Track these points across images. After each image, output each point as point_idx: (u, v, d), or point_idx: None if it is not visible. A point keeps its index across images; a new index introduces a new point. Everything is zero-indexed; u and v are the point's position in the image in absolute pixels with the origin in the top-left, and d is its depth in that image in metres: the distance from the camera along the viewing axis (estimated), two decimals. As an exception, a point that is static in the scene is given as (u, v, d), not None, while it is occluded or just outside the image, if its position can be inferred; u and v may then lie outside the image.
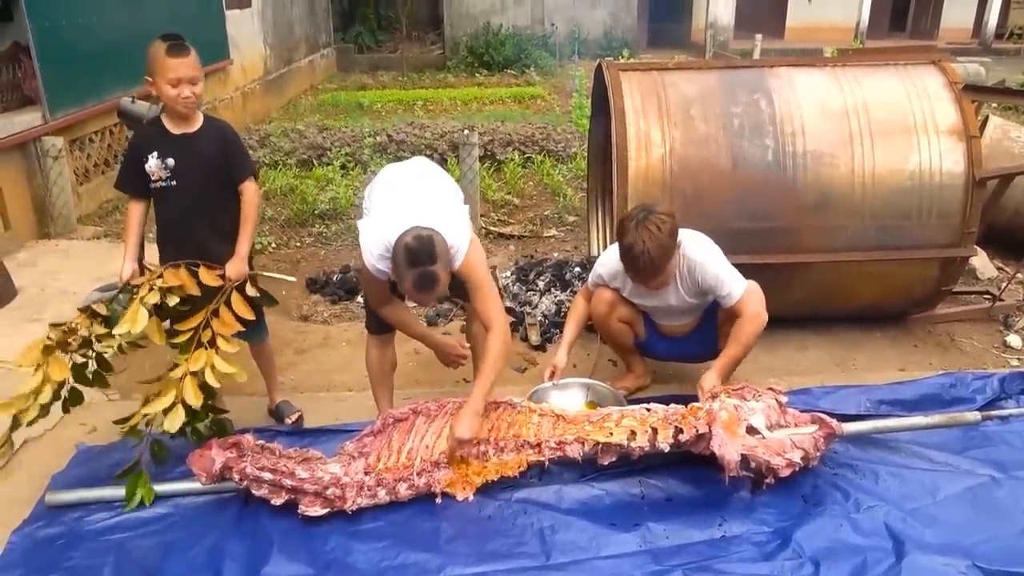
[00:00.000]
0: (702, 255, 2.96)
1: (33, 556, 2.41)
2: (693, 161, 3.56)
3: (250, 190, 2.89)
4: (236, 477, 2.52)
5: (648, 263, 2.81)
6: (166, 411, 2.59)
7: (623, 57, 13.47)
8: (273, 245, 5.32)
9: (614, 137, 3.55)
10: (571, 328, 3.24)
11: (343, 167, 6.85)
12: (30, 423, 2.64)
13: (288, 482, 2.50)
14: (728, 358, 2.95)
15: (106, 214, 6.06)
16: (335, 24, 15.84)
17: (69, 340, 2.70)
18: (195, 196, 2.84)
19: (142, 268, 2.88)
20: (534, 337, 3.93)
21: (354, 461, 2.62)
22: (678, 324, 3.22)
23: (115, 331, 2.66)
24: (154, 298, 2.67)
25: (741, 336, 2.94)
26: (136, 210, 2.89)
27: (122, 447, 2.85)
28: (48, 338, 2.68)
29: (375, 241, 2.58)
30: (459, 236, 2.60)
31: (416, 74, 14.47)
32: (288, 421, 3.16)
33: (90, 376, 2.80)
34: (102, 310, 2.73)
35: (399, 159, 7.13)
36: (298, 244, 5.44)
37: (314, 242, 5.48)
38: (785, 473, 2.54)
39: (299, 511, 2.48)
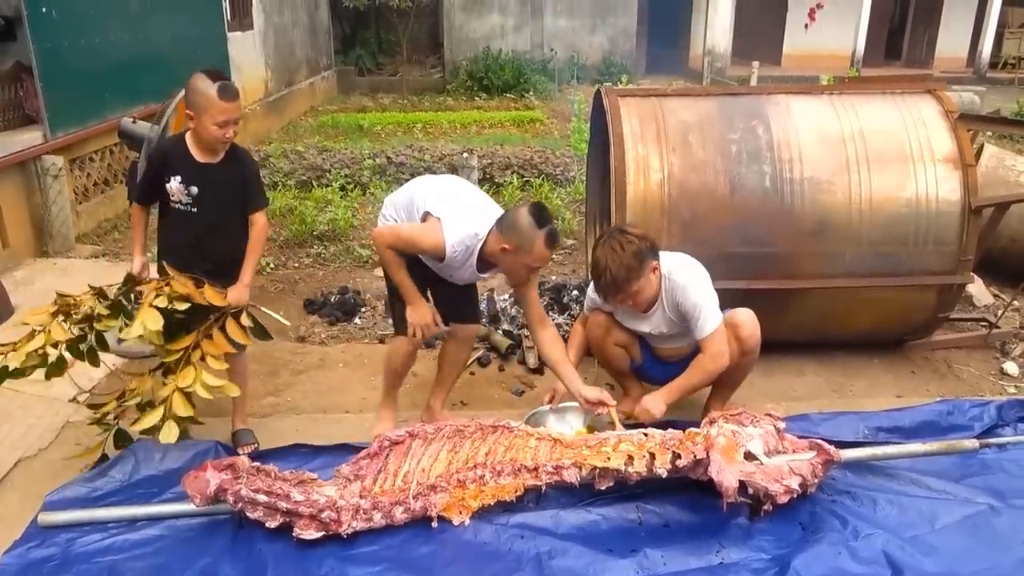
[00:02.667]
0: (686, 280, 2.97)
1: (24, 578, 2.38)
2: (691, 186, 3.58)
3: (260, 222, 2.97)
4: (230, 499, 2.50)
5: (609, 280, 2.86)
6: (159, 426, 2.68)
7: (622, 82, 13.59)
8: (272, 266, 5.32)
9: (613, 162, 3.58)
10: (571, 354, 3.24)
11: (342, 188, 6.87)
12: (28, 373, 2.74)
13: (283, 505, 2.48)
14: (678, 386, 2.98)
15: (104, 233, 6.06)
16: (336, 47, 15.97)
17: (72, 312, 2.78)
18: (213, 224, 2.91)
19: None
20: (531, 360, 3.92)
21: (350, 484, 2.60)
22: (674, 347, 3.22)
23: (129, 333, 2.70)
24: (163, 302, 2.73)
25: (698, 370, 2.97)
26: (142, 214, 3.02)
27: (116, 468, 2.84)
28: (54, 303, 2.77)
29: (465, 228, 2.81)
30: None
31: (416, 97, 14.58)
32: (240, 451, 3.03)
33: (83, 350, 2.85)
34: (109, 293, 2.83)
35: (398, 181, 7.21)
36: (296, 265, 5.44)
37: (312, 263, 5.48)
38: (783, 499, 2.53)
39: (294, 534, 2.46)
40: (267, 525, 2.49)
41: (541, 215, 2.76)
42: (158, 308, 2.69)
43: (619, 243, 2.84)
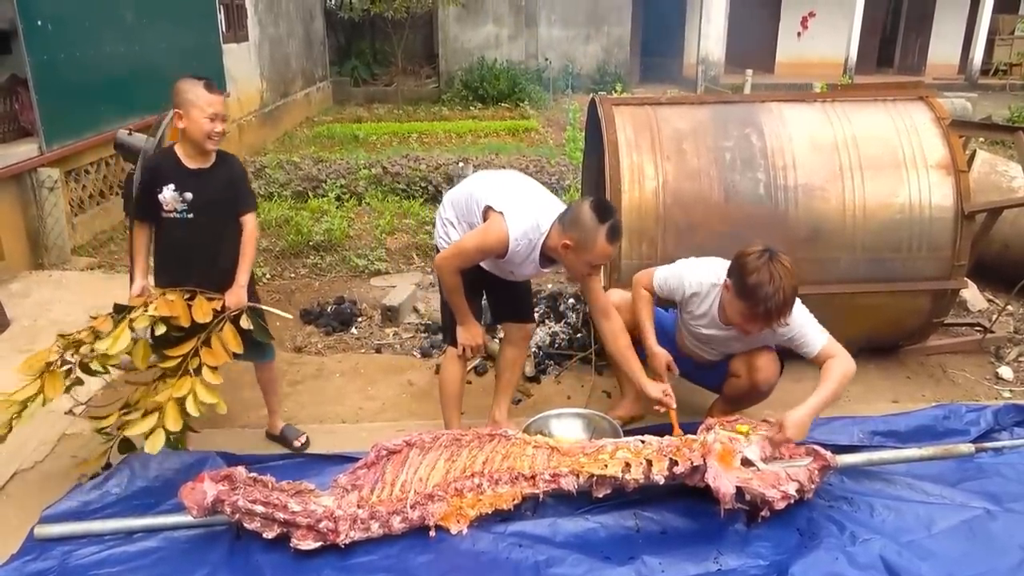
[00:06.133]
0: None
1: (21, 591, 2.38)
2: (686, 194, 3.60)
3: (251, 223, 3.02)
4: (228, 510, 2.49)
5: (781, 303, 2.65)
6: (147, 434, 2.68)
7: (616, 91, 13.61)
8: (268, 276, 5.32)
9: (607, 170, 3.59)
10: (644, 318, 3.10)
11: (338, 199, 6.89)
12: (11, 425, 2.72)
13: (281, 515, 2.47)
14: (820, 403, 2.71)
15: (100, 245, 6.06)
16: (331, 58, 16.02)
17: (73, 350, 2.78)
18: (208, 228, 2.95)
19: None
20: (528, 369, 3.92)
21: (347, 494, 2.60)
22: (706, 360, 3.22)
23: (96, 345, 2.73)
24: (143, 323, 2.75)
25: (835, 381, 2.75)
26: (144, 233, 3.01)
27: (113, 480, 2.83)
28: (54, 349, 2.77)
29: (527, 220, 2.77)
30: None
31: (411, 107, 14.62)
32: (296, 444, 3.21)
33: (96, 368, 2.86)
34: (107, 326, 2.79)
35: (394, 191, 7.22)
36: (292, 275, 5.44)
37: (308, 273, 5.48)
38: (780, 505, 2.54)
39: (291, 544, 2.46)
40: (264, 536, 2.48)
41: (604, 210, 2.69)
42: (141, 327, 2.72)
43: (786, 267, 2.66)
